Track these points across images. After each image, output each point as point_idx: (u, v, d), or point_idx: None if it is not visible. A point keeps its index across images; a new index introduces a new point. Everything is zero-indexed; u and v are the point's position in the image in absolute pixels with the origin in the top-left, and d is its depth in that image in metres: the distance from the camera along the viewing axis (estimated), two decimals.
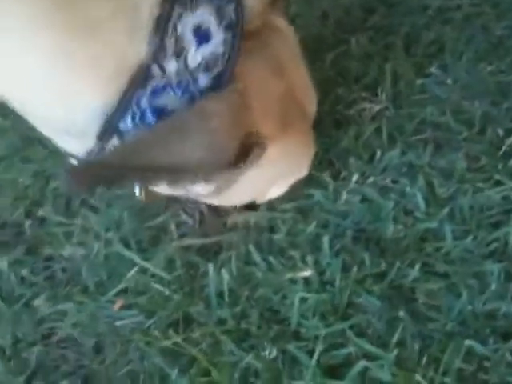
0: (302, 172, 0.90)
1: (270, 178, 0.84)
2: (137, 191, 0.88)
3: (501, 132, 0.93)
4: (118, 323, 0.92)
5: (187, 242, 0.96)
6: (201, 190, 0.81)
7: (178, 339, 0.87)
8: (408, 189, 0.91)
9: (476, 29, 1.06)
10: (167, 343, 0.87)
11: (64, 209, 1.05)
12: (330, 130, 0.99)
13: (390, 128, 0.96)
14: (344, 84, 1.02)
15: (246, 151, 0.69)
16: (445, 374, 0.76)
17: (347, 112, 1.00)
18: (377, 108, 1.00)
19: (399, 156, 0.94)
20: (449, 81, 1.00)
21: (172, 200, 1.01)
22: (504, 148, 0.92)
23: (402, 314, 0.80)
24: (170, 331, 0.87)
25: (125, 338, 0.90)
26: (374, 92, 1.01)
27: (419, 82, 1.00)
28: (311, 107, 0.86)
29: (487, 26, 1.06)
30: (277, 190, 0.90)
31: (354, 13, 1.11)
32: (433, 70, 1.02)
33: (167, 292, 0.92)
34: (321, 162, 0.96)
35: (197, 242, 0.95)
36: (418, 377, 0.75)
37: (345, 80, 1.02)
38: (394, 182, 0.93)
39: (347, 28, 1.07)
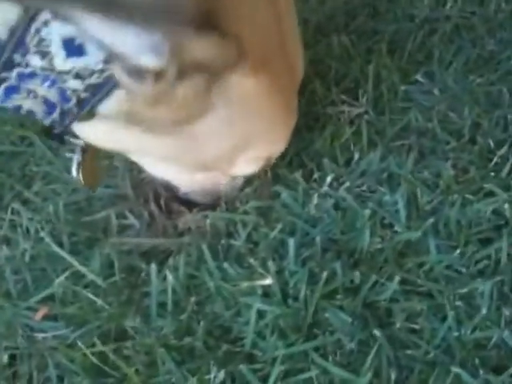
0: (278, 145, 0.77)
1: (240, 134, 0.71)
2: (73, 170, 0.75)
3: (491, 143, 0.84)
4: (38, 335, 0.78)
5: (130, 243, 0.83)
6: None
7: (108, 355, 0.73)
8: (387, 197, 0.80)
9: (465, 41, 0.98)
10: (94, 360, 0.73)
11: None
12: (303, 130, 0.88)
13: (369, 132, 0.86)
14: (322, 84, 0.92)
15: (206, 27, 0.55)
16: None
17: (324, 113, 0.90)
18: (356, 111, 0.90)
19: (379, 161, 0.83)
20: (435, 90, 0.91)
21: (118, 196, 0.88)
22: (495, 159, 0.82)
23: (377, 333, 0.67)
24: (98, 345, 0.74)
25: (44, 352, 0.76)
26: (354, 95, 0.92)
27: (403, 88, 0.91)
28: (298, 67, 0.76)
29: (477, 39, 0.99)
30: (246, 166, 0.77)
31: (336, 18, 1.03)
32: (418, 77, 0.93)
33: (100, 302, 0.78)
34: (291, 160, 0.85)
35: (141, 244, 0.82)
36: None
37: (323, 80, 0.93)
38: (372, 189, 0.82)
39: (329, 30, 0.99)
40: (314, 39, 0.99)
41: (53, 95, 0.61)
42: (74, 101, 0.62)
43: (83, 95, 0.61)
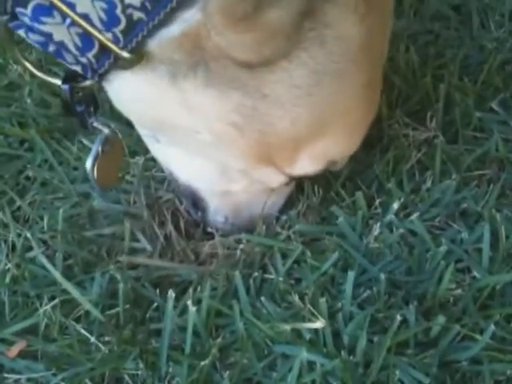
0: (349, 142, 0.62)
1: (319, 107, 0.55)
2: (89, 162, 0.59)
3: None
4: (9, 376, 0.61)
5: (140, 267, 0.66)
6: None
7: None
8: (464, 235, 0.65)
9: None
10: None
11: None
12: (361, 150, 0.73)
13: (443, 159, 0.72)
14: (385, 103, 0.78)
15: None
16: None
17: (386, 134, 0.75)
18: (424, 135, 0.75)
19: (454, 192, 0.68)
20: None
21: (128, 215, 0.72)
22: None
23: None
24: None
25: None
26: (421, 118, 0.77)
27: (478, 115, 0.77)
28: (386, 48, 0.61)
29: None
30: (309, 164, 0.60)
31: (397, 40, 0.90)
32: (494, 105, 0.79)
33: (93, 339, 0.61)
34: (345, 182, 0.69)
35: (155, 268, 0.66)
36: None
37: (386, 99, 0.78)
38: (443, 223, 0.67)
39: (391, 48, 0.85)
40: None
41: (96, 10, 0.47)
42: (122, 23, 0.48)
43: (136, 15, 0.47)
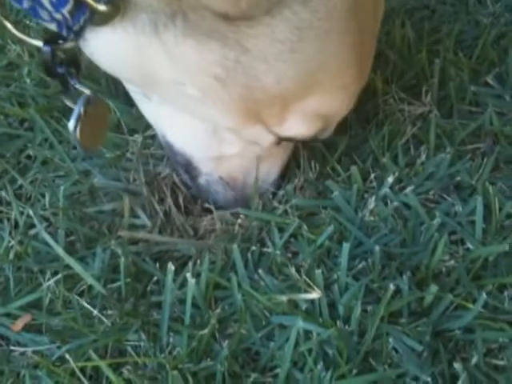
0: (340, 102, 0.61)
1: (307, 63, 0.55)
2: (71, 124, 0.60)
3: None
4: (15, 348, 0.63)
5: (140, 242, 0.68)
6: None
7: (102, 375, 0.58)
8: (458, 208, 0.66)
9: None
10: (85, 381, 0.57)
11: None
12: (357, 125, 0.74)
13: (435, 133, 0.73)
14: (380, 78, 0.78)
15: None
16: None
17: (381, 109, 0.76)
18: (419, 110, 0.76)
19: (448, 166, 0.69)
20: (507, 96, 0.78)
21: (128, 191, 0.73)
22: None
23: (458, 368, 0.52)
24: (89, 367, 0.58)
25: (21, 370, 0.60)
26: (416, 93, 0.78)
27: (473, 89, 0.78)
28: (379, 17, 0.61)
29: None
30: (300, 123, 0.60)
31: (393, 15, 0.90)
32: (489, 79, 0.80)
33: (96, 312, 0.63)
34: (341, 157, 0.71)
35: (156, 243, 0.67)
36: None
37: (382, 74, 0.79)
38: (438, 196, 0.68)
39: (387, 23, 0.85)
40: None
41: None
42: None
43: None
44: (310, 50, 0.53)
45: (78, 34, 0.52)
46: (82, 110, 0.59)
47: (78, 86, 0.58)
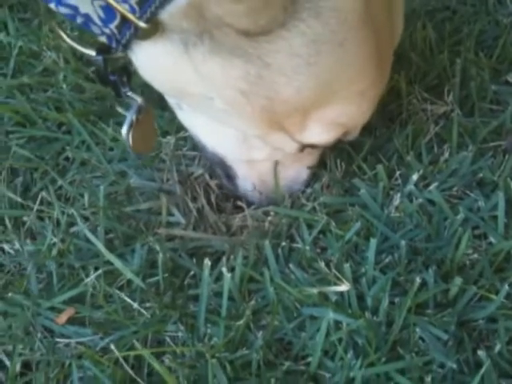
0: (360, 110, 0.64)
1: (323, 74, 0.58)
2: (124, 129, 0.64)
3: None
4: (60, 340, 0.66)
5: (177, 238, 0.71)
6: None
7: (144, 364, 0.61)
8: (481, 203, 0.68)
9: None
10: (125, 372, 0.61)
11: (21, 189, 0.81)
12: (381, 125, 0.77)
13: (458, 131, 0.75)
14: (404, 79, 0.81)
15: None
16: None
17: (406, 109, 0.79)
18: (441, 110, 0.79)
19: (470, 163, 0.72)
20: None
21: (163, 191, 0.77)
22: None
23: (482, 355, 0.55)
24: (132, 357, 0.62)
25: (66, 360, 0.64)
26: (438, 93, 0.80)
27: (494, 88, 0.80)
28: (398, 24, 0.65)
29: None
30: (320, 131, 0.63)
31: (414, 16, 0.93)
32: (509, 78, 0.82)
33: (136, 305, 0.66)
34: (366, 156, 0.73)
35: (191, 239, 0.70)
36: None
37: (405, 75, 0.82)
38: (461, 192, 0.70)
39: (409, 25, 0.88)
40: None
41: None
42: None
43: None
44: (327, 61, 0.57)
45: (126, 46, 0.56)
46: (134, 117, 0.63)
47: (129, 93, 0.63)
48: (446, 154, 0.72)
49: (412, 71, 0.83)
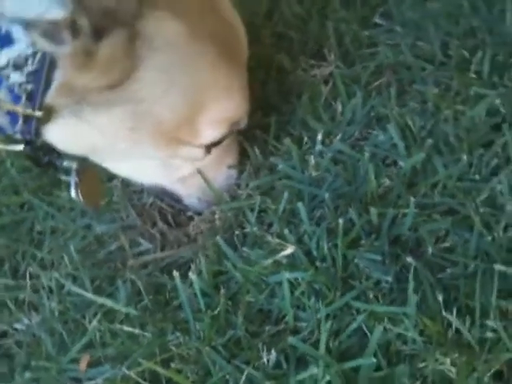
0: (236, 101, 0.74)
1: (185, 87, 0.70)
2: (72, 192, 0.75)
3: (465, 52, 0.82)
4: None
5: (148, 262, 0.81)
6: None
7: (158, 372, 0.72)
8: (382, 137, 0.79)
9: None
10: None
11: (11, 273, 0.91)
12: (282, 104, 0.87)
13: (345, 83, 0.85)
14: (288, 56, 0.91)
15: None
16: (484, 315, 0.61)
17: (297, 81, 0.89)
18: (327, 70, 0.89)
19: (362, 106, 0.82)
20: (397, 28, 0.91)
21: (126, 227, 0.87)
22: (473, 66, 0.80)
23: (410, 260, 0.65)
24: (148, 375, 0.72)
25: None
26: (321, 56, 0.91)
27: (366, 33, 0.90)
28: (242, 45, 0.76)
29: None
30: (213, 130, 0.74)
31: None
32: (377, 20, 0.92)
33: (137, 330, 0.77)
34: (278, 133, 0.84)
35: (159, 258, 0.81)
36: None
37: (289, 52, 0.92)
38: (365, 134, 0.81)
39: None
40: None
41: (4, 95, 0.63)
42: (24, 97, 0.64)
43: (29, 87, 0.63)
44: (182, 79, 0.69)
45: (37, 134, 0.68)
46: (76, 179, 0.74)
47: (65, 163, 0.74)
48: (340, 107, 0.82)
49: (294, 47, 0.93)
